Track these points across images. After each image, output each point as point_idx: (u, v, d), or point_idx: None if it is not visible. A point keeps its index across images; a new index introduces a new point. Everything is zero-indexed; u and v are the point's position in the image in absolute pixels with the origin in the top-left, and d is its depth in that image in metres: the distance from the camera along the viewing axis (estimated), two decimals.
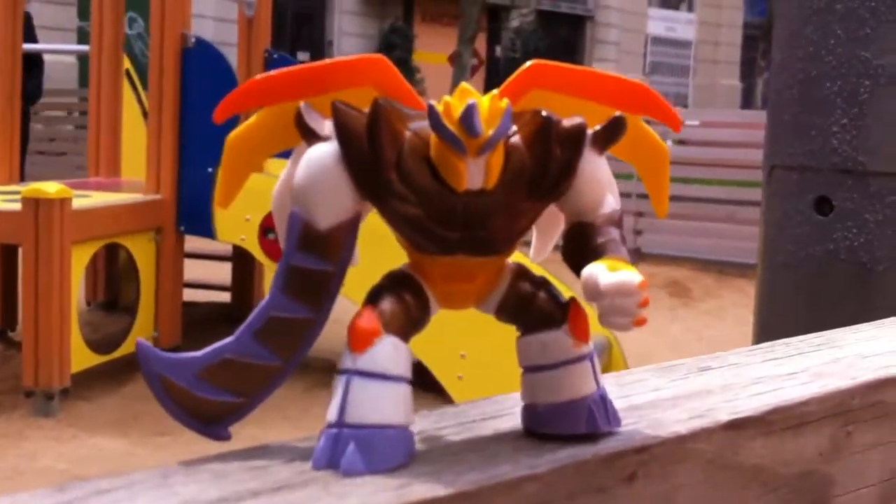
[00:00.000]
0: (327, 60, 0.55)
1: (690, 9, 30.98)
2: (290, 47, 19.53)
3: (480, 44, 22.47)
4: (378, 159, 0.53)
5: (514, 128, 0.55)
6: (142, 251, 5.06)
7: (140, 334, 5.02)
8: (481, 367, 4.19)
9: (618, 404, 0.60)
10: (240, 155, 0.57)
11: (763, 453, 0.62)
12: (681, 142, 10.31)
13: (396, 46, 22.27)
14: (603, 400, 0.58)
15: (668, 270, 8.64)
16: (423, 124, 0.53)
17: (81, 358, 4.61)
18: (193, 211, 5.15)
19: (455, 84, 18.41)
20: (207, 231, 5.17)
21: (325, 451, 0.52)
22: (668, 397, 0.65)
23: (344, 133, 0.53)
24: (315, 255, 0.54)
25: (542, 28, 25.36)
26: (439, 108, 0.52)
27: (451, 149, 0.52)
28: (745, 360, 0.77)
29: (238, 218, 5.02)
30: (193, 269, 5.73)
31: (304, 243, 0.54)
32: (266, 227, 4.96)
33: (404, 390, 0.53)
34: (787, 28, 2.11)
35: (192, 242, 5.48)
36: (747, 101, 31.25)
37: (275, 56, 5.66)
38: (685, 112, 15.47)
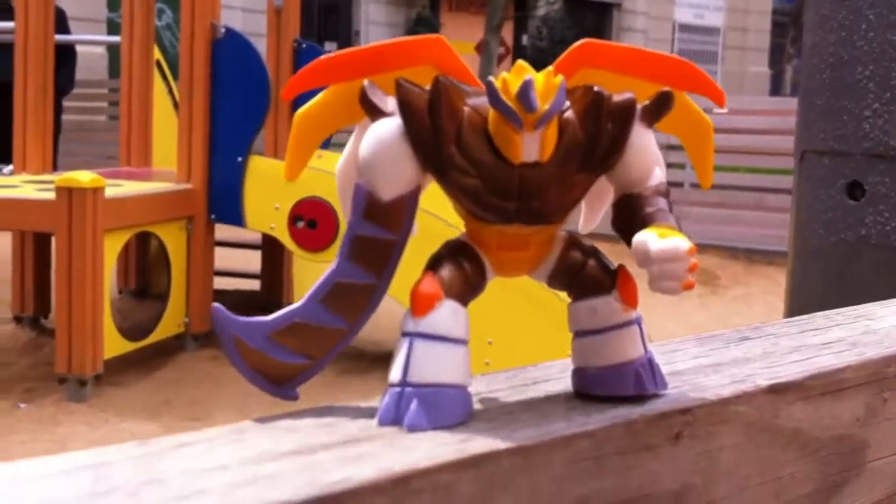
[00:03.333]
0: (389, 41, 0.58)
1: None
2: (318, 37, 19.58)
3: (507, 32, 22.45)
4: (439, 133, 0.56)
5: (568, 103, 0.58)
6: (173, 240, 5.11)
7: (171, 322, 5.08)
8: (508, 353, 4.22)
9: (663, 370, 0.62)
10: (307, 130, 0.60)
11: (802, 417, 0.65)
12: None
13: None
14: (650, 363, 0.61)
15: (697, 258, 8.63)
16: (481, 100, 0.56)
17: (113, 345, 4.67)
18: (224, 200, 5.20)
19: (482, 73, 18.43)
20: (237, 219, 5.21)
21: (390, 409, 0.55)
22: (709, 364, 0.68)
23: (407, 109, 0.56)
24: (379, 225, 0.57)
25: (568, 16, 25.30)
26: (497, 84, 0.55)
27: (508, 123, 0.55)
28: (782, 330, 0.79)
29: (268, 206, 5.06)
30: (224, 258, 5.78)
31: (368, 213, 0.57)
32: (295, 216, 5.00)
33: (463, 352, 0.57)
34: (818, 13, 2.12)
35: (222, 231, 5.53)
36: (776, 88, 31.07)
37: (303, 46, 5.69)
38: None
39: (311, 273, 6.01)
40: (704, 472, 0.59)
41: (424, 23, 22.65)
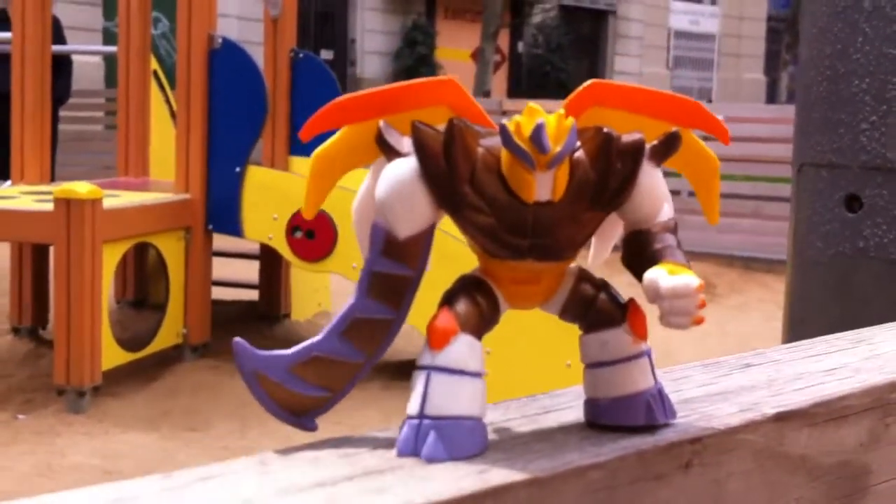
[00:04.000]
0: (404, 83, 0.60)
1: (713, 2, 30.88)
2: (314, 46, 19.60)
3: (503, 40, 22.47)
4: (454, 174, 0.58)
5: (579, 143, 0.59)
6: (171, 250, 5.12)
7: (169, 332, 5.09)
8: (506, 364, 4.24)
9: (670, 398, 0.64)
10: (325, 170, 0.62)
11: (807, 444, 0.66)
12: (705, 138, 10.32)
13: (419, 43, 22.31)
14: (660, 394, 0.62)
15: (693, 266, 8.61)
16: (494, 141, 0.58)
17: (112, 355, 4.67)
18: (222, 210, 5.21)
19: (478, 80, 18.46)
20: (235, 230, 5.22)
21: (409, 440, 0.57)
22: (716, 392, 0.69)
23: (422, 150, 0.58)
24: (396, 261, 0.59)
25: (564, 23, 25.34)
26: (510, 126, 0.57)
27: (521, 164, 0.57)
28: (785, 356, 0.81)
29: (266, 217, 5.07)
30: (222, 268, 5.79)
31: (386, 251, 0.59)
32: (293, 226, 5.01)
33: (479, 385, 0.58)
34: (814, 25, 2.13)
35: (220, 241, 5.54)
36: (772, 95, 31.14)
37: (300, 55, 5.70)
38: (709, 107, 15.43)
39: (309, 283, 6.02)
40: (714, 499, 0.61)
41: (420, 30, 22.68)
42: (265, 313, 5.76)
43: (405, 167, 0.59)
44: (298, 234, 5.00)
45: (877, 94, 2.07)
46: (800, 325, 2.15)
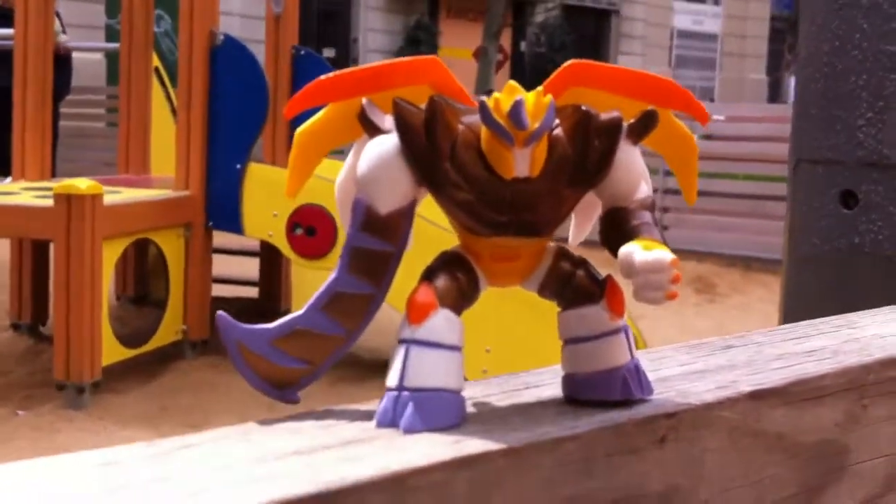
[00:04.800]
0: (387, 61, 0.61)
1: (717, 2, 30.88)
2: (316, 44, 19.62)
3: (506, 39, 22.47)
4: (434, 150, 0.59)
5: (557, 121, 0.60)
6: (171, 247, 5.13)
7: (169, 328, 5.10)
8: (505, 362, 4.25)
9: (649, 376, 0.65)
10: (308, 148, 0.63)
11: (784, 422, 0.67)
12: (707, 136, 10.32)
13: (421, 42, 22.33)
14: (637, 369, 0.64)
15: (694, 266, 8.64)
16: (474, 119, 0.59)
17: (111, 351, 4.69)
18: (222, 207, 5.22)
19: (480, 79, 18.46)
20: (236, 227, 5.24)
21: (387, 411, 0.58)
22: (694, 371, 0.70)
23: (404, 127, 0.59)
24: (377, 237, 0.60)
25: (567, 22, 25.35)
26: (490, 103, 0.58)
27: (500, 140, 0.58)
28: (766, 339, 0.82)
29: (266, 214, 5.08)
30: (222, 265, 5.80)
31: (366, 226, 0.60)
32: (294, 223, 5.02)
33: (457, 358, 0.59)
34: (812, 22, 2.14)
35: (220, 238, 5.55)
36: (774, 95, 31.14)
37: (302, 53, 5.72)
38: (711, 106, 15.41)
39: (309, 280, 6.03)
40: (689, 473, 0.62)
41: (423, 29, 22.69)
42: (265, 310, 5.78)
43: (387, 144, 0.60)
44: (299, 232, 5.01)
45: (874, 91, 2.07)
46: (794, 321, 2.15)
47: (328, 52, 19.95)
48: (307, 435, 0.55)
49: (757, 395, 0.66)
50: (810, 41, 2.14)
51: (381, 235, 0.60)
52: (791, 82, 23.87)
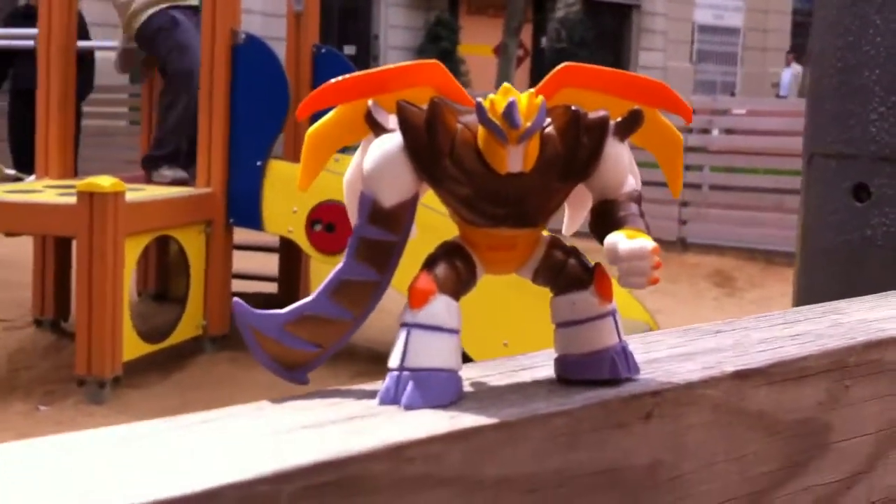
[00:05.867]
0: (392, 66, 0.66)
1: None
2: (337, 41, 19.69)
3: (526, 35, 22.51)
4: (434, 148, 0.64)
5: (549, 120, 0.65)
6: (192, 243, 5.19)
7: (189, 324, 5.16)
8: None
9: (638, 358, 0.70)
10: (318, 146, 0.68)
11: (766, 401, 0.72)
12: (728, 131, 10.33)
13: (442, 38, 22.39)
14: (624, 351, 0.68)
15: (713, 260, 8.66)
16: (472, 118, 0.64)
17: (132, 347, 4.75)
18: (242, 204, 5.27)
19: (501, 75, 18.50)
20: (256, 223, 5.29)
21: (389, 390, 0.63)
22: (682, 353, 0.75)
23: (406, 126, 0.64)
24: (382, 228, 0.65)
25: (587, 18, 25.35)
26: (485, 104, 0.63)
27: (495, 138, 0.63)
28: (754, 324, 0.86)
29: (286, 210, 5.13)
30: (242, 261, 5.85)
31: (372, 218, 0.65)
32: (313, 219, 5.07)
33: (455, 341, 0.64)
34: (825, 18, 2.17)
35: (241, 234, 5.60)
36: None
37: (323, 50, 5.76)
38: (731, 100, 15.34)
39: (328, 276, 6.08)
40: (673, 448, 0.66)
41: (444, 26, 22.73)
42: (285, 306, 5.81)
43: (391, 142, 0.65)
44: (318, 228, 5.07)
45: (887, 86, 2.10)
46: None
47: (349, 50, 20.02)
48: (315, 412, 0.59)
49: (740, 375, 0.70)
50: (823, 37, 2.17)
51: (385, 226, 0.65)
52: (785, 76, 23.66)
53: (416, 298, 0.64)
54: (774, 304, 7.19)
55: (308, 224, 5.07)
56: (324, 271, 5.74)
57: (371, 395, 0.63)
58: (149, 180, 5.50)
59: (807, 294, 2.27)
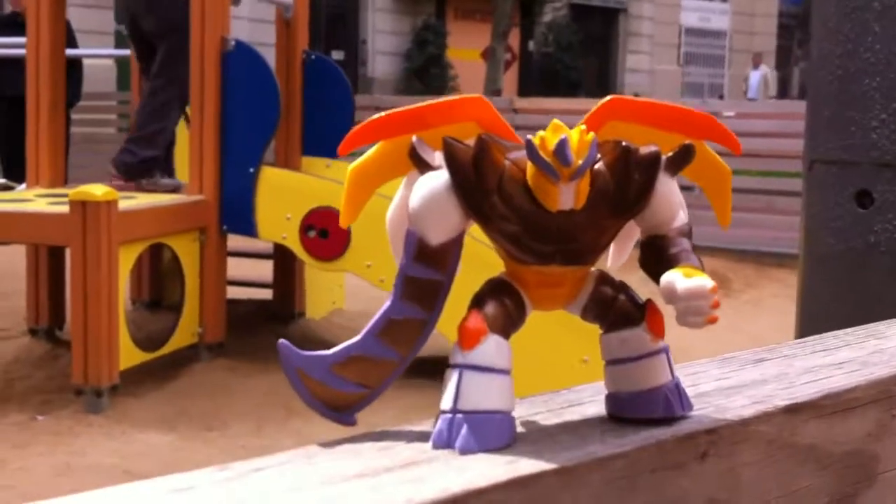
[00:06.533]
0: (435, 101, 0.65)
1: None
2: (325, 47, 19.65)
3: (514, 39, 22.48)
4: (482, 185, 0.63)
5: (599, 156, 0.64)
6: (186, 251, 5.16)
7: (185, 332, 5.13)
8: (526, 364, 4.25)
9: (687, 392, 0.68)
10: (361, 182, 0.66)
11: (816, 434, 0.70)
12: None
13: (429, 43, 22.36)
14: (678, 388, 0.67)
15: (707, 261, 8.54)
16: (520, 154, 0.63)
17: (129, 355, 4.71)
18: (236, 210, 5.25)
19: (489, 79, 18.48)
20: (250, 230, 5.26)
21: (443, 433, 0.61)
22: (729, 386, 0.74)
23: (453, 164, 0.63)
24: (428, 267, 0.64)
25: (574, 22, 25.35)
26: (535, 141, 0.61)
27: (546, 176, 0.61)
28: (796, 351, 0.85)
29: (279, 216, 5.11)
30: (236, 268, 5.83)
31: (419, 257, 0.64)
32: (307, 225, 5.05)
33: (507, 381, 0.63)
34: (824, 25, 2.16)
35: (235, 241, 5.58)
36: (783, 91, 31.09)
37: (313, 57, 5.75)
38: (720, 103, 15.36)
39: (323, 281, 6.07)
40: (729, 487, 0.65)
41: (431, 30, 22.70)
42: (280, 312, 5.81)
43: (437, 180, 0.64)
44: (312, 234, 5.04)
45: (887, 93, 2.09)
46: (812, 320, 2.18)
47: (337, 55, 20.00)
48: (367, 457, 0.58)
49: (791, 409, 0.69)
50: (823, 44, 2.16)
51: (432, 265, 0.64)
52: (753, 77, 23.64)
53: (467, 339, 0.62)
54: (768, 305, 7.19)
55: (302, 230, 5.04)
56: (318, 277, 5.72)
57: (423, 437, 0.62)
58: (137, 187, 5.45)
59: (812, 300, 2.27)
